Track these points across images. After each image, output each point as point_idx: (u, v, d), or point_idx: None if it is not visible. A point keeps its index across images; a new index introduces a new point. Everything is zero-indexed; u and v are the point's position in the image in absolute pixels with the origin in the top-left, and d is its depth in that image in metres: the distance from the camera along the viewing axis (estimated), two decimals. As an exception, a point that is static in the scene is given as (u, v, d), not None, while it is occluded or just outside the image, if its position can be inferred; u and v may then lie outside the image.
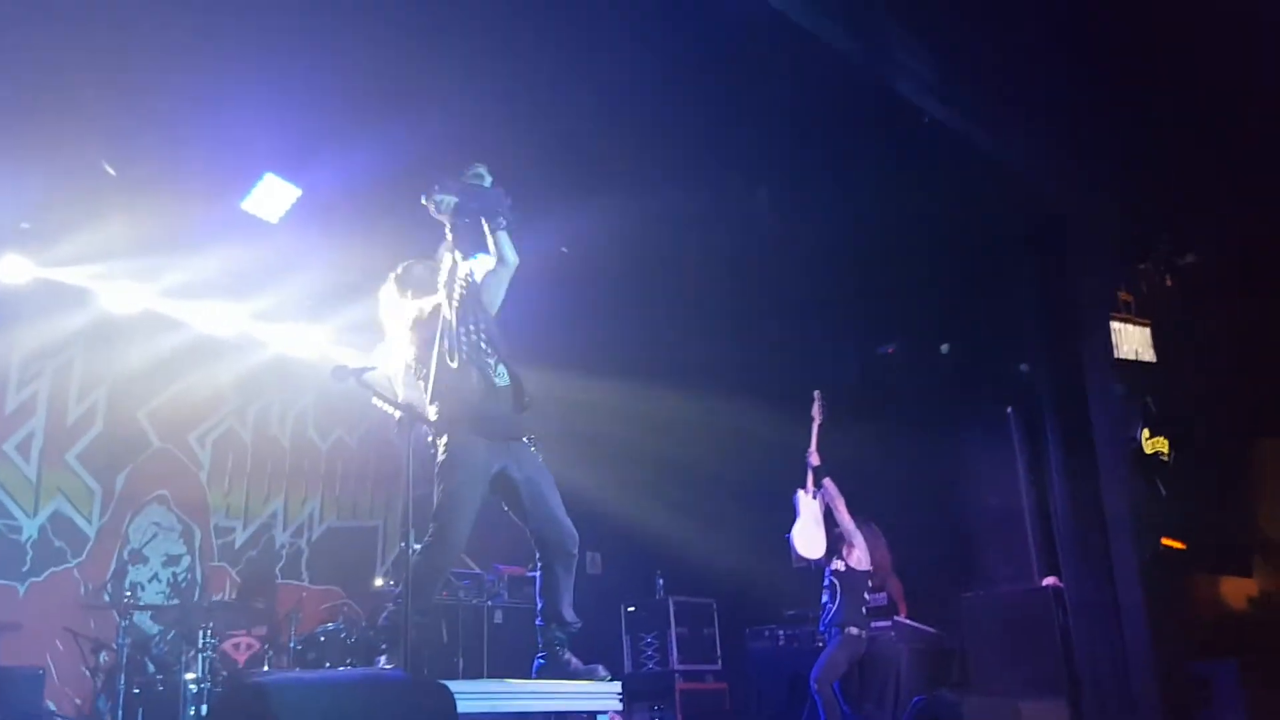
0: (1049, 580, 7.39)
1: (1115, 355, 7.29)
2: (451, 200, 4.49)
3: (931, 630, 7.73)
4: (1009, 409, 7.77)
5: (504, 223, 4.56)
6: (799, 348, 8.62)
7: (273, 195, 7.01)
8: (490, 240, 4.56)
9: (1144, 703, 6.70)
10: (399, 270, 4.77)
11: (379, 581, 7.77)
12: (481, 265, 4.67)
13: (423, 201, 4.54)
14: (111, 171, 6.63)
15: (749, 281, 8.66)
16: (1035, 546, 7.55)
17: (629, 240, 7.76)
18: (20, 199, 6.87)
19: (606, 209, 7.10)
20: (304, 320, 8.71)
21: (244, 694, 3.21)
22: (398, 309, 4.70)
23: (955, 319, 8.16)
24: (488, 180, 4.62)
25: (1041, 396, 7.54)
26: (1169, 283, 8.01)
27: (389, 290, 4.76)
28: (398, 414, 4.50)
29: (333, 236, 7.54)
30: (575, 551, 4.60)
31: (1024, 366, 7.78)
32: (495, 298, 4.70)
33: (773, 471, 7.65)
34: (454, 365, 4.44)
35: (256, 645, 7.20)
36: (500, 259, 4.59)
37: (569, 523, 4.59)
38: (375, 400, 4.33)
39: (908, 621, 7.67)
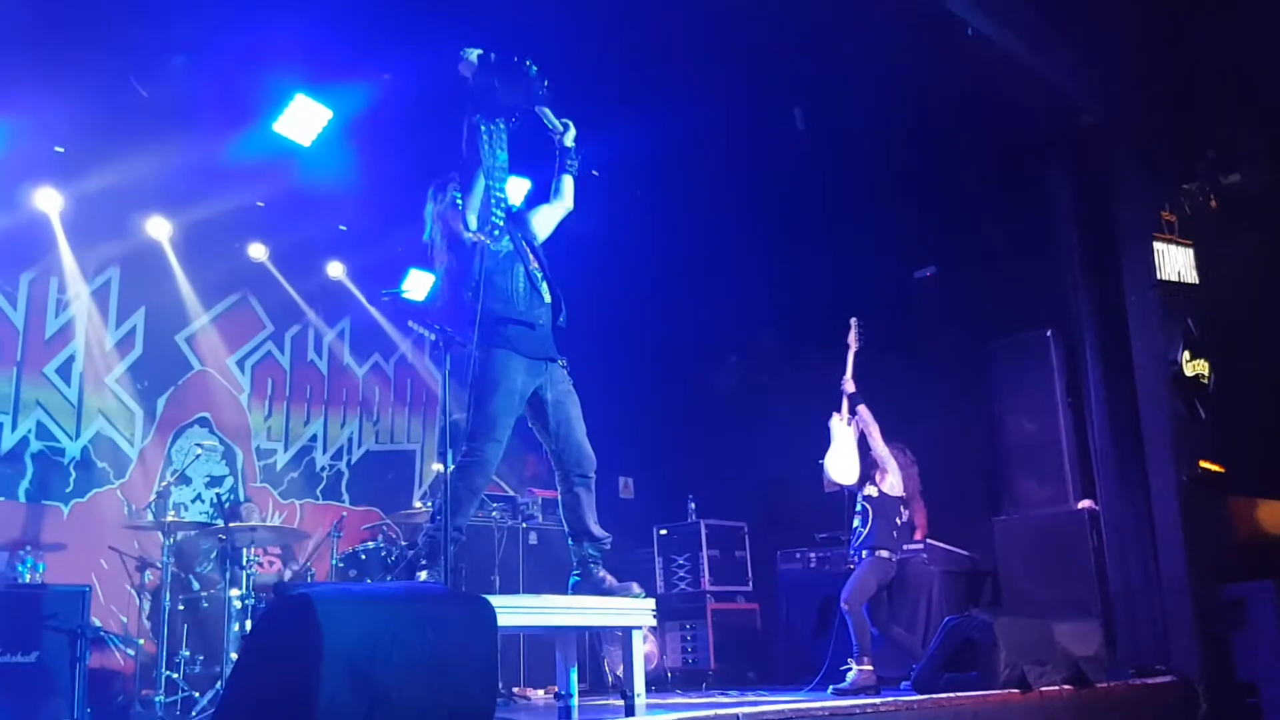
0: (1084, 503, 7.35)
1: (1157, 276, 7.16)
2: (475, 53, 4.37)
3: (964, 553, 7.72)
4: (1048, 331, 7.67)
5: (573, 167, 4.76)
6: (835, 272, 8.52)
7: (305, 116, 6.98)
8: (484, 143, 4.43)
9: (1177, 624, 6.70)
10: (443, 183, 4.68)
11: (418, 503, 7.87)
12: (520, 190, 4.63)
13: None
14: (144, 93, 6.61)
15: (784, 204, 8.56)
16: (1071, 470, 7.48)
17: (664, 161, 7.68)
18: (52, 122, 6.87)
19: (639, 131, 7.00)
20: (335, 244, 8.76)
21: (290, 605, 3.25)
22: (442, 220, 4.65)
23: (995, 240, 8.02)
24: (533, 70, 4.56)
25: (1081, 318, 7.44)
26: (1213, 204, 7.83)
27: (434, 201, 4.71)
28: (433, 336, 4.50)
29: (365, 158, 7.51)
30: (592, 474, 4.64)
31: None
32: (544, 230, 4.87)
33: (807, 397, 7.61)
34: (501, 255, 4.49)
35: (278, 563, 7.40)
36: (562, 200, 4.85)
37: (589, 448, 4.64)
38: (411, 324, 4.33)
39: (940, 544, 7.67)
